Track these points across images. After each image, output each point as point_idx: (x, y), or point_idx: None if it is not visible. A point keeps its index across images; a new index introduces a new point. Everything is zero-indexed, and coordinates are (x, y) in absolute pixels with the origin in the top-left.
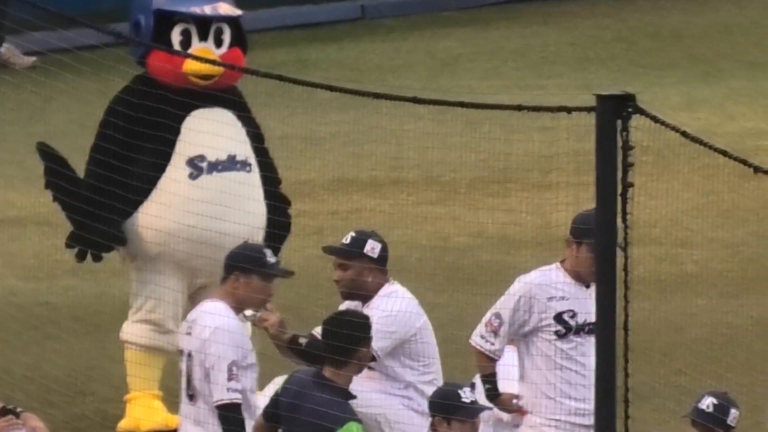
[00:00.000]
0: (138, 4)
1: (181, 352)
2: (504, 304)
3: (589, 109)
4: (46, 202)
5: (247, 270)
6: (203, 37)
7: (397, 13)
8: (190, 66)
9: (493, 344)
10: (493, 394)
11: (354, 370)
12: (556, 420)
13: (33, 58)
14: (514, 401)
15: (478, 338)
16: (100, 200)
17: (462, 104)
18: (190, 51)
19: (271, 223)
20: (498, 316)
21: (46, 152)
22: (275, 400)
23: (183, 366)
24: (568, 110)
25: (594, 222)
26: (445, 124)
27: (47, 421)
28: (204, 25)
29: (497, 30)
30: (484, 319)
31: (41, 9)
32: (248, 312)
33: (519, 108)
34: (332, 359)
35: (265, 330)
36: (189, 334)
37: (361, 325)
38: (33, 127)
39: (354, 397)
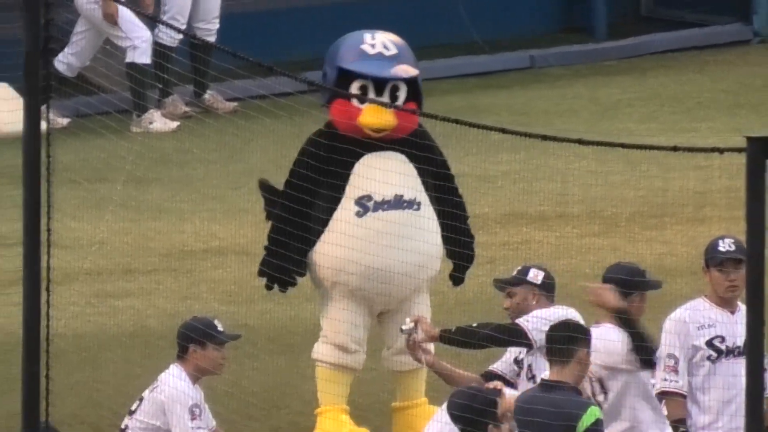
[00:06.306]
0: (328, 57)
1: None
2: (670, 343)
3: (739, 150)
4: (245, 234)
5: (203, 342)
6: (379, 93)
7: (562, 63)
8: (364, 119)
9: (677, 381)
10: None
11: (575, 370)
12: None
13: (234, 104)
14: None
15: (662, 382)
16: (288, 231)
17: (623, 145)
18: (366, 105)
19: (454, 254)
20: (671, 356)
21: (265, 185)
22: None
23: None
24: (720, 151)
25: (737, 250)
26: (606, 164)
27: None
28: (381, 83)
29: (655, 78)
30: (660, 365)
31: (241, 59)
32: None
33: (675, 149)
34: (555, 361)
35: (414, 345)
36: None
37: (578, 328)
38: (233, 165)
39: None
